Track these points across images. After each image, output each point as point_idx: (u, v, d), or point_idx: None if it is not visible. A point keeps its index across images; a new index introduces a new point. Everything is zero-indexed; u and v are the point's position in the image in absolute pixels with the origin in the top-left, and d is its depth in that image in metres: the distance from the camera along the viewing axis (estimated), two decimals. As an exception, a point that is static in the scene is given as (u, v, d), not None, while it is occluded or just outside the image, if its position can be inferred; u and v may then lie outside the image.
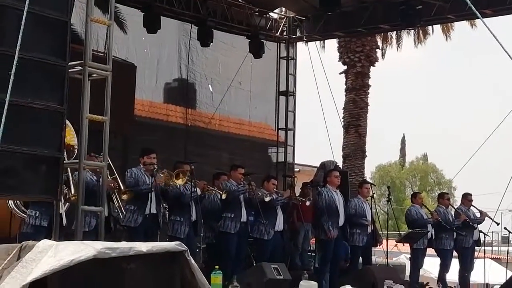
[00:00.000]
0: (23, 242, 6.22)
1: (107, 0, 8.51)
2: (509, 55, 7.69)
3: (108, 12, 8.67)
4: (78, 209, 7.88)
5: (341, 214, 12.82)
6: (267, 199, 12.55)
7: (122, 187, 10.70)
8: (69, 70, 7.69)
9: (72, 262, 5.74)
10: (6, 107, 6.73)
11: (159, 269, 6.44)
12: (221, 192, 11.90)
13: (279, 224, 12.75)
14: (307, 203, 13.28)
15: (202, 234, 11.84)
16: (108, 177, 10.06)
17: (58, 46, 7.57)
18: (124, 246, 6.22)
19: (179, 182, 11.06)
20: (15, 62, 6.82)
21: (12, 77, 6.79)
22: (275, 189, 12.96)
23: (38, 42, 7.38)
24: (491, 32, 8.02)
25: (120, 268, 6.15)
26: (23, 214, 10.47)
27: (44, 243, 6.04)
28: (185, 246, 6.53)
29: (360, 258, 13.42)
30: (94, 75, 8.15)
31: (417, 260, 14.09)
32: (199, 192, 11.68)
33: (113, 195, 10.74)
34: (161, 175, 11.02)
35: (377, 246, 14.19)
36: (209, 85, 17.34)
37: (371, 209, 13.40)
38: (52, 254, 5.84)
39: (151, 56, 16.29)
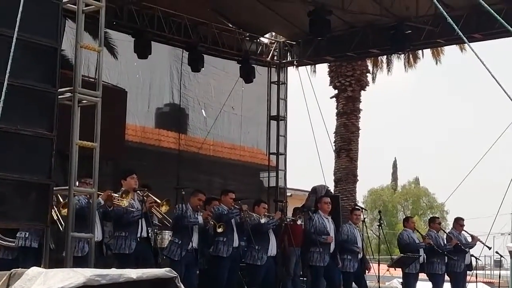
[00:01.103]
0: (12, 270, 6.20)
1: (98, 25, 8.53)
2: (496, 80, 7.72)
3: (98, 38, 8.67)
4: (68, 235, 7.85)
5: (332, 239, 12.82)
6: (263, 220, 12.53)
7: (158, 201, 10.74)
8: (59, 97, 7.69)
9: (61, 289, 5.72)
10: (-5, 134, 6.72)
11: (149, 296, 6.41)
12: (217, 224, 11.82)
13: (272, 249, 12.70)
14: (298, 222, 13.26)
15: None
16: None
17: (48, 72, 7.58)
18: (114, 273, 6.21)
19: (163, 209, 10.92)
20: (4, 89, 6.82)
21: (1, 104, 6.78)
22: (266, 213, 12.92)
23: (28, 69, 7.39)
24: (478, 57, 8.04)
25: (110, 296, 6.12)
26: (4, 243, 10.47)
27: (33, 270, 6.02)
28: (175, 273, 6.51)
29: (354, 284, 13.38)
30: (84, 101, 8.14)
31: (409, 285, 14.06)
32: (200, 220, 11.67)
33: (154, 210, 10.86)
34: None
35: (365, 273, 14.14)
36: (202, 110, 17.37)
37: (361, 235, 13.38)
38: (42, 282, 5.82)
39: (143, 81, 16.32)
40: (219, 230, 11.69)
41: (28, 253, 9.81)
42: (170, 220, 11.35)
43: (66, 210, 10.16)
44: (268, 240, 12.58)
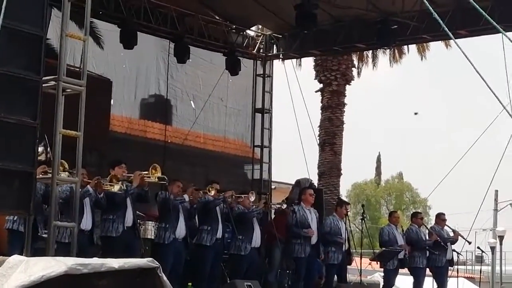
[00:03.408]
0: (-7, 257, 6.20)
1: (83, 15, 8.51)
2: (481, 76, 7.78)
3: (83, 27, 8.66)
4: (51, 224, 7.84)
5: (315, 232, 12.87)
6: (252, 198, 12.65)
7: (146, 172, 10.89)
8: (43, 85, 7.67)
9: (43, 278, 5.72)
10: (-21, 121, 6.70)
11: (131, 285, 6.42)
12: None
13: (256, 240, 12.73)
14: (283, 206, 13.32)
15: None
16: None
17: (33, 61, 7.56)
18: (95, 262, 6.20)
19: (116, 188, 10.80)
20: (-12, 77, 6.81)
21: (-15, 91, 6.77)
22: (251, 203, 12.96)
23: (13, 57, 7.37)
24: (464, 53, 8.10)
25: (92, 285, 6.13)
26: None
27: (15, 258, 6.02)
28: (157, 263, 6.51)
29: (335, 276, 13.46)
30: (68, 90, 8.13)
31: (388, 280, 14.14)
32: (187, 198, 11.86)
33: (148, 180, 10.98)
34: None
35: (350, 264, 14.22)
36: (191, 101, 17.35)
37: (346, 228, 13.45)
38: (23, 270, 5.82)
39: (129, 71, 16.28)
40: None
41: (16, 236, 9.77)
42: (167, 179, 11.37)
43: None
44: (252, 230, 12.62)
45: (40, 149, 8.32)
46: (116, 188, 10.54)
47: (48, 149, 8.52)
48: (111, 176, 10.65)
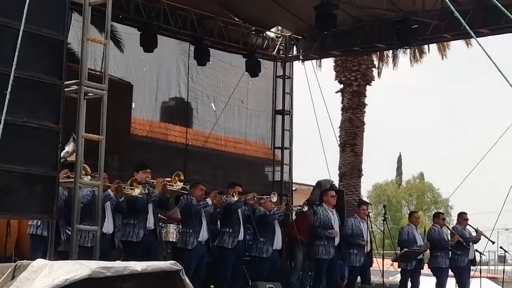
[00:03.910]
0: (18, 262, 6.22)
1: (104, 19, 8.54)
2: (503, 75, 7.71)
3: (104, 31, 8.68)
4: (73, 227, 7.86)
5: (337, 233, 12.85)
6: (274, 199, 12.69)
7: (168, 178, 10.89)
8: (65, 89, 7.70)
9: (66, 281, 5.73)
10: (1, 126, 6.73)
11: (154, 288, 6.42)
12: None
13: (278, 242, 12.73)
14: (305, 209, 13.31)
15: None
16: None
17: (54, 65, 7.58)
18: (119, 266, 6.21)
19: (137, 192, 10.75)
20: (11, 81, 6.83)
21: (8, 96, 6.79)
22: (273, 206, 12.96)
23: (34, 61, 7.39)
24: (485, 52, 8.03)
25: (115, 288, 6.13)
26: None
27: (39, 262, 6.03)
28: (180, 266, 6.52)
29: (358, 277, 13.43)
30: (90, 94, 8.16)
31: (405, 281, 14.08)
32: (210, 202, 11.83)
33: (170, 187, 11.00)
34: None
35: (371, 266, 14.17)
36: (212, 104, 17.38)
37: (368, 229, 13.41)
38: (47, 274, 5.83)
39: (150, 74, 16.32)
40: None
41: (39, 241, 9.80)
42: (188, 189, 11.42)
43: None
44: (273, 233, 12.61)
45: (70, 148, 8.33)
46: (136, 191, 10.53)
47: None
48: (131, 179, 10.66)
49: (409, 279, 14.02)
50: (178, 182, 10.98)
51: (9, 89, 6.81)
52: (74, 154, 8.26)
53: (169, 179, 11.00)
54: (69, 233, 8.55)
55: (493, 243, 15.29)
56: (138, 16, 15.25)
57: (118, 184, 10.61)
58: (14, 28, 7.12)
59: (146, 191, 10.82)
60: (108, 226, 10.42)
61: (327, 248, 12.70)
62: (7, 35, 7.16)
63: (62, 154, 8.19)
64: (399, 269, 14.60)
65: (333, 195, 13.28)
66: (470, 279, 14.77)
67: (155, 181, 10.99)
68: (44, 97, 7.46)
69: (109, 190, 10.35)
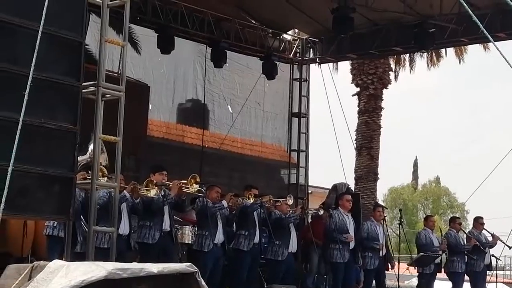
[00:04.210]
0: (35, 262, 6.25)
1: (122, 20, 8.56)
2: (521, 79, 7.68)
3: (122, 32, 8.71)
4: (90, 229, 7.88)
5: (352, 237, 12.82)
6: (290, 202, 12.74)
7: (184, 180, 10.87)
8: (83, 91, 7.72)
9: (83, 282, 5.75)
10: (19, 127, 6.75)
11: (169, 290, 6.43)
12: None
13: (293, 245, 12.72)
14: (320, 212, 13.29)
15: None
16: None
17: (72, 66, 7.60)
18: (135, 267, 6.22)
19: (194, 187, 10.89)
20: (29, 82, 6.86)
21: (26, 97, 6.82)
22: (288, 208, 12.95)
23: (52, 62, 7.41)
24: (503, 56, 8.00)
25: (131, 289, 6.15)
26: None
27: (56, 263, 6.06)
28: (196, 268, 6.52)
29: (374, 281, 13.40)
30: (108, 95, 8.18)
31: (423, 285, 14.04)
32: (225, 204, 11.85)
33: (186, 190, 10.94)
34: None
35: (389, 270, 14.13)
36: (228, 106, 17.40)
37: (384, 232, 13.39)
38: (63, 275, 5.85)
39: (167, 76, 16.35)
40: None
41: (56, 242, 9.83)
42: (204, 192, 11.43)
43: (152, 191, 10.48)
44: (289, 236, 12.60)
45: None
46: (152, 193, 10.54)
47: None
48: (147, 181, 10.67)
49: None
50: (194, 184, 10.98)
51: (27, 90, 6.83)
52: (99, 156, 8.30)
53: (185, 181, 11.01)
54: (85, 228, 8.58)
55: (510, 248, 15.20)
56: (155, 18, 15.30)
57: (134, 185, 10.63)
58: (32, 29, 7.14)
59: (162, 193, 10.84)
60: (124, 228, 10.43)
61: (341, 252, 12.67)
62: (25, 36, 7.19)
63: (87, 156, 8.23)
64: (415, 273, 14.55)
65: (349, 199, 13.26)
66: (486, 284, 14.68)
67: (171, 183, 11.00)
68: (62, 98, 7.48)
69: (125, 191, 10.37)
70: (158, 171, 11.05)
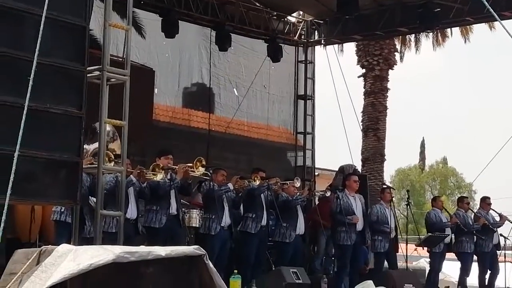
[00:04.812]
0: (43, 247, 6.26)
1: (125, 5, 8.54)
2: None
3: (126, 17, 8.69)
4: (97, 213, 7.90)
5: (360, 219, 12.80)
6: (297, 184, 12.74)
7: (190, 164, 10.89)
8: (88, 75, 7.71)
9: (91, 266, 5.77)
10: (25, 112, 6.75)
11: (178, 273, 6.45)
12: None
13: (300, 227, 12.73)
14: (327, 194, 13.29)
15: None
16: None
17: (77, 51, 7.58)
18: (143, 251, 6.24)
19: (159, 177, 10.74)
20: (33, 67, 6.85)
21: (31, 82, 6.81)
22: (295, 191, 12.95)
23: (57, 47, 7.39)
24: (510, 34, 7.95)
25: (139, 273, 6.17)
26: None
27: (63, 247, 6.07)
28: (204, 250, 6.53)
29: (386, 262, 13.41)
30: (113, 79, 8.17)
31: (434, 264, 14.06)
32: (231, 187, 11.93)
33: (192, 173, 11.02)
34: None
35: (398, 251, 14.15)
36: (234, 89, 17.37)
37: (393, 215, 13.38)
38: (72, 259, 5.87)
39: (172, 60, 16.32)
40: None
41: (64, 227, 9.84)
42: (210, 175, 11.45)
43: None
44: (296, 218, 12.62)
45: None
46: (159, 177, 10.56)
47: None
48: (153, 165, 10.69)
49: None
50: (200, 167, 10.99)
51: (32, 75, 6.83)
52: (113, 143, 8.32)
53: (191, 164, 11.02)
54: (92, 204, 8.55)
55: (518, 228, 15.19)
56: (159, 2, 15.27)
57: (140, 169, 10.64)
58: (36, 15, 7.12)
59: (169, 177, 10.85)
60: (131, 212, 10.47)
61: (348, 233, 12.63)
62: (29, 21, 7.17)
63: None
64: (423, 254, 14.57)
65: (356, 180, 13.24)
66: (499, 263, 14.66)
67: (177, 167, 11.01)
68: (67, 83, 7.47)
69: (131, 176, 10.38)
70: (164, 155, 11.06)
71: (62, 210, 9.94)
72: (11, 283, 5.99)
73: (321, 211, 13.53)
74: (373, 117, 21.49)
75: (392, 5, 16.64)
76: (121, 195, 8.27)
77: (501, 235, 14.69)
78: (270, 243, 12.70)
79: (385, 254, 13.26)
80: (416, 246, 15.29)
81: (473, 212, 14.87)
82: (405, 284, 12.39)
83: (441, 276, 14.66)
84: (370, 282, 11.84)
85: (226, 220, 11.64)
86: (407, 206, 14.80)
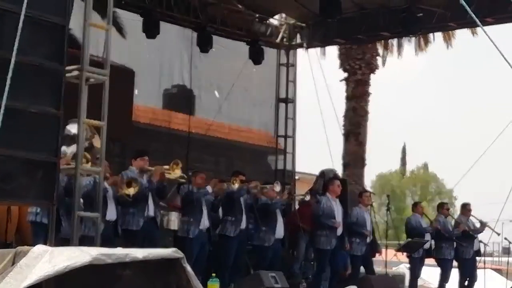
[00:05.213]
0: (18, 248, 6.17)
1: (106, 4, 8.47)
2: (509, 64, 7.64)
3: (106, 16, 8.61)
4: (74, 214, 7.81)
5: (340, 224, 12.77)
6: (277, 188, 12.67)
7: (166, 166, 10.81)
8: (66, 75, 7.63)
9: (67, 268, 5.69)
10: (2, 111, 6.66)
11: (155, 276, 6.39)
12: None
13: (280, 231, 12.69)
14: (307, 198, 13.25)
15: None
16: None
17: (56, 50, 7.51)
18: (120, 253, 6.17)
19: (130, 191, 10.50)
20: (11, 66, 6.76)
21: (8, 81, 6.73)
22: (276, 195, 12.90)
23: (36, 46, 7.32)
24: (491, 41, 7.96)
25: (116, 275, 6.09)
26: None
27: (39, 248, 5.99)
28: (182, 253, 6.47)
29: (362, 267, 13.38)
30: (92, 79, 8.10)
31: (414, 269, 14.05)
32: (210, 190, 11.89)
33: (168, 175, 10.90)
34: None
35: (375, 256, 14.12)
36: (215, 91, 17.29)
37: (371, 219, 13.37)
38: (47, 260, 5.79)
39: (152, 61, 16.22)
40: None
41: (40, 228, 9.73)
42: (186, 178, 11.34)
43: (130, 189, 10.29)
44: (275, 222, 12.58)
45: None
46: (131, 191, 10.41)
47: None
48: (128, 180, 10.51)
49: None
50: (176, 170, 10.88)
51: (9, 74, 6.75)
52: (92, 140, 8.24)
53: (167, 167, 10.92)
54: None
55: (498, 234, 15.22)
56: (140, 2, 15.17)
57: (114, 181, 10.52)
58: (15, 13, 7.05)
59: (145, 179, 10.74)
60: (110, 214, 10.36)
61: (329, 238, 12.60)
62: (8, 20, 7.10)
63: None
64: (403, 260, 14.57)
65: (339, 184, 13.21)
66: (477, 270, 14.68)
67: (153, 168, 10.90)
68: (45, 82, 7.40)
69: (105, 183, 10.21)
70: (139, 156, 10.96)
71: (38, 211, 9.83)
72: (-15, 284, 5.90)
73: (301, 215, 13.48)
74: (355, 121, 21.49)
75: (375, 9, 16.62)
76: (99, 196, 8.20)
77: (481, 241, 14.70)
78: (249, 247, 12.64)
79: (362, 258, 13.23)
80: (396, 251, 15.27)
81: (453, 218, 14.88)
82: (385, 290, 12.36)
83: (420, 282, 14.64)
84: (355, 287, 11.81)
85: (204, 223, 11.58)
86: (387, 211, 14.79)
